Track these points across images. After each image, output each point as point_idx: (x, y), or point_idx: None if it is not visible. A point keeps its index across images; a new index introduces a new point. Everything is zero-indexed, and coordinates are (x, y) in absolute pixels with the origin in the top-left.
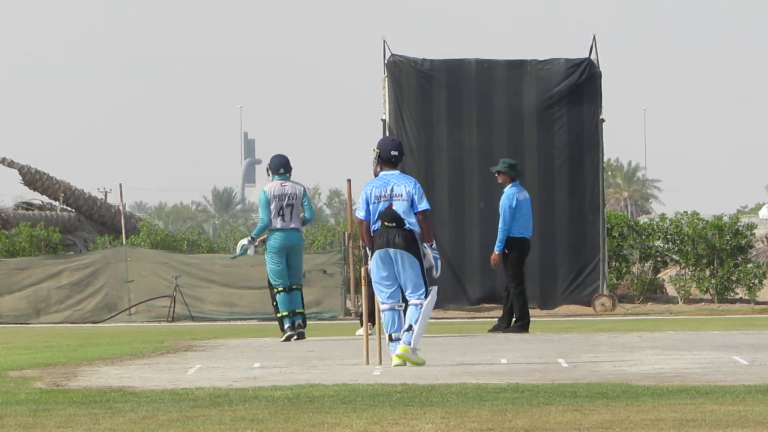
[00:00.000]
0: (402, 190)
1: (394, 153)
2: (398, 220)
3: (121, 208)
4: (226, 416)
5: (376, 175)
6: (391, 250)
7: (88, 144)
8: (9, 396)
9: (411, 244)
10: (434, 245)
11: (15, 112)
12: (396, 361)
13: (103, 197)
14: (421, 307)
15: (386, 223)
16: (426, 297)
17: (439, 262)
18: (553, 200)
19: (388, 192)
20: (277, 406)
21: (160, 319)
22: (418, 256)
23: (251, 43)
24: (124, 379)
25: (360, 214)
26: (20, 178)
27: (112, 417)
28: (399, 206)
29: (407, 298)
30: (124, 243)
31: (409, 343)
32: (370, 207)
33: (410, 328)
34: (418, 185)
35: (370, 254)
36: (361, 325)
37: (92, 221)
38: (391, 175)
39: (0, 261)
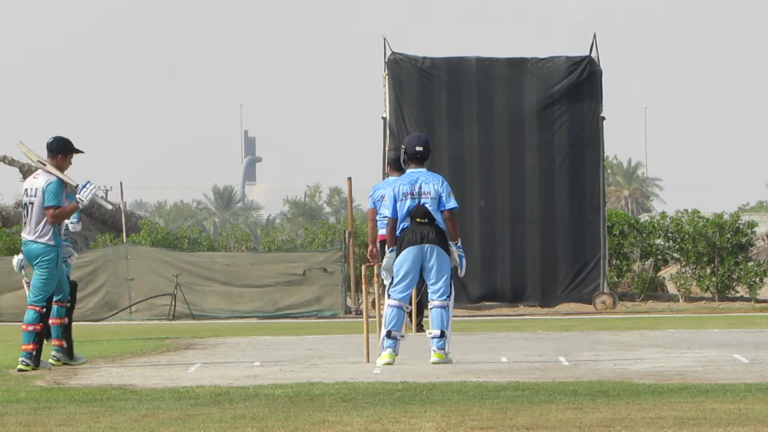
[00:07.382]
0: (430, 188)
1: (418, 149)
2: (430, 216)
3: (121, 206)
4: (226, 414)
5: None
6: (426, 246)
7: (88, 142)
8: (10, 394)
9: (443, 240)
10: (459, 243)
11: (15, 111)
12: (386, 359)
13: (104, 195)
14: (448, 310)
15: (418, 220)
16: (449, 299)
17: (464, 260)
18: (554, 198)
19: (417, 190)
20: (278, 404)
21: (160, 318)
22: (449, 252)
23: (251, 41)
24: (124, 378)
25: (386, 211)
26: (21, 176)
27: (112, 415)
28: (427, 204)
29: (430, 297)
30: (124, 241)
31: (443, 349)
32: (397, 204)
33: (443, 334)
34: (446, 183)
35: (390, 252)
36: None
37: (93, 219)
38: (418, 172)
39: (0, 259)
